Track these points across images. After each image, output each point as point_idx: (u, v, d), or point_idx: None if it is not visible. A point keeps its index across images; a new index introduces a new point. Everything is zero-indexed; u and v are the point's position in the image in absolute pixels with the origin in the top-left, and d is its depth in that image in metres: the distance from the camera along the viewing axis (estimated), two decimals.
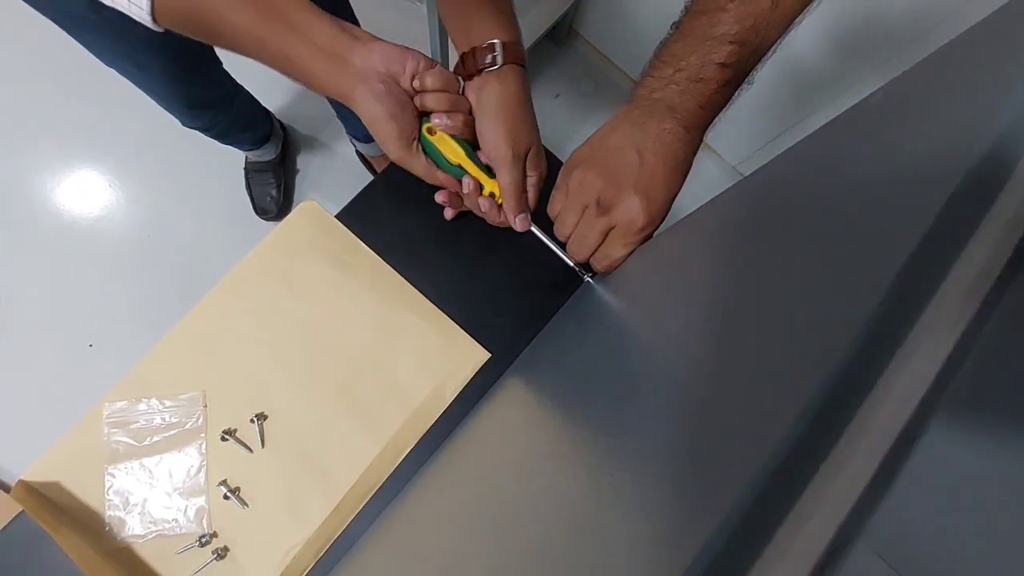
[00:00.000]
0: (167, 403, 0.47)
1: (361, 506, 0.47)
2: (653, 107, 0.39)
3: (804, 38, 0.89)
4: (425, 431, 0.49)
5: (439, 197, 0.49)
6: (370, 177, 1.33)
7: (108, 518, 0.45)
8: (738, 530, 0.14)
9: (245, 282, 0.50)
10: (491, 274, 0.53)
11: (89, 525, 0.45)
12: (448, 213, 0.51)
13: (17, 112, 1.31)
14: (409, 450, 0.48)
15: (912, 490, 0.14)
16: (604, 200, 0.40)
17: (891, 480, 0.13)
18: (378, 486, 0.48)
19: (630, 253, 0.41)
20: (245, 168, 1.29)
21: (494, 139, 0.44)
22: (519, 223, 0.46)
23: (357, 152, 1.32)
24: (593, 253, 0.43)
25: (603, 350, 0.37)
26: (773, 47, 0.37)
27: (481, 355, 0.50)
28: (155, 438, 0.46)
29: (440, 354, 0.50)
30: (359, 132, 1.19)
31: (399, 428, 0.49)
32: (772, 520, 0.13)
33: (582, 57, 1.40)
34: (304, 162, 1.35)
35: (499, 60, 0.43)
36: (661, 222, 0.40)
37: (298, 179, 1.34)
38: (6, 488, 1.15)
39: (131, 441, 0.46)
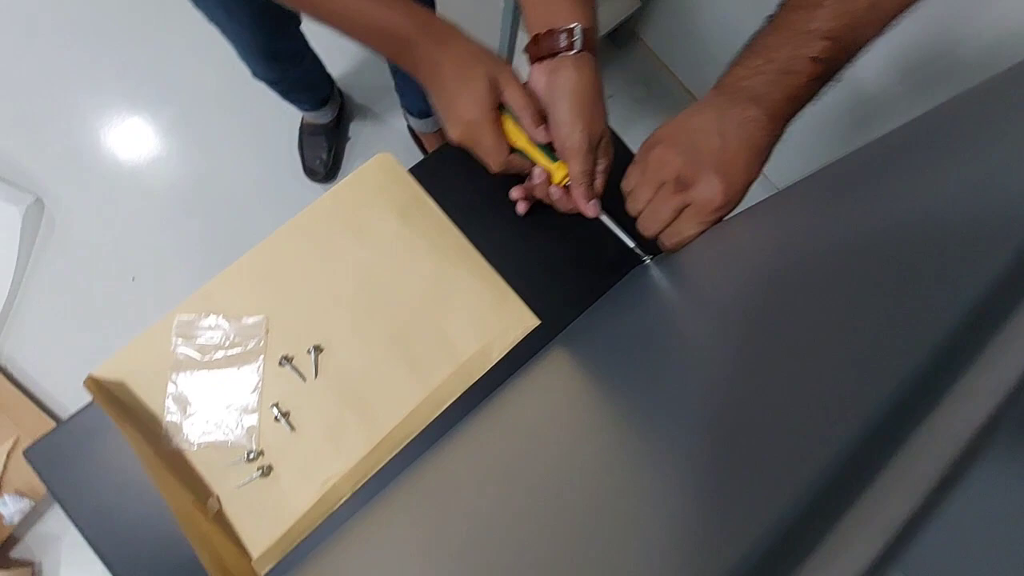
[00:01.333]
0: (232, 323, 0.50)
1: (400, 448, 0.49)
2: (739, 95, 0.40)
3: (871, 64, 0.90)
4: (468, 386, 0.51)
5: (515, 193, 0.51)
6: (418, 153, 1.36)
7: (166, 423, 0.48)
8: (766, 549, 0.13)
9: (316, 221, 0.53)
10: (548, 247, 0.55)
11: (148, 426, 0.48)
12: (521, 207, 0.52)
13: (96, 50, 1.36)
14: (451, 402, 0.50)
15: (955, 521, 0.14)
16: (683, 178, 0.42)
17: (937, 509, 0.13)
18: (418, 432, 0.50)
19: (700, 233, 0.43)
20: (300, 128, 1.32)
21: (569, 126, 0.44)
22: (591, 209, 0.47)
23: (409, 127, 1.35)
24: (663, 229, 0.44)
25: (651, 333, 0.39)
26: (866, 47, 0.38)
27: (531, 320, 0.52)
28: (217, 354, 0.49)
29: (491, 314, 0.52)
30: (414, 107, 1.22)
31: (444, 380, 0.51)
32: (803, 546, 0.13)
33: (640, 61, 1.41)
34: (356, 130, 1.38)
35: (577, 45, 0.43)
36: (737, 205, 0.42)
37: (349, 146, 1.37)
38: (44, 406, 1.20)
39: (195, 354, 0.49)
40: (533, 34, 0.45)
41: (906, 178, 0.28)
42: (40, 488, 1.14)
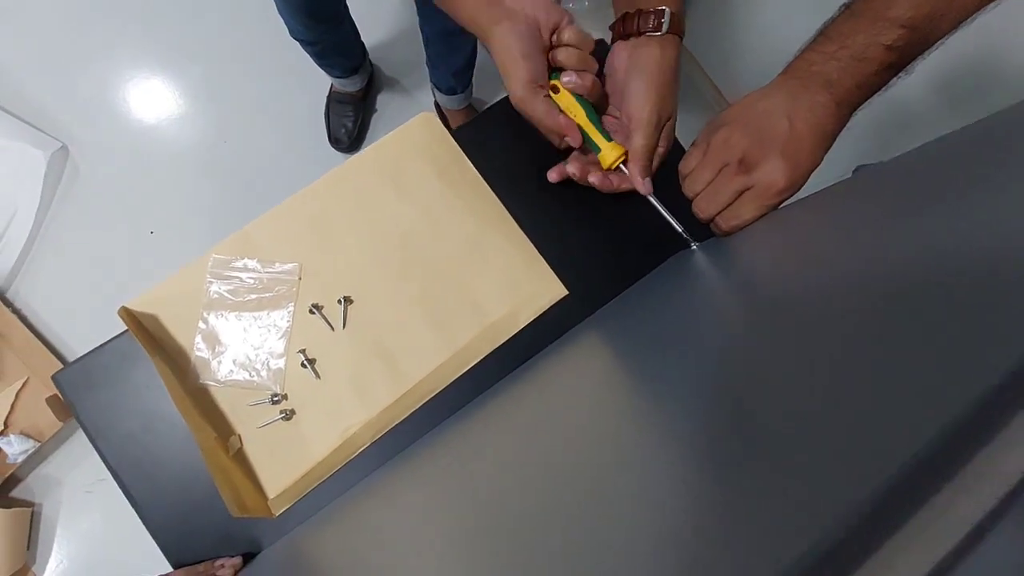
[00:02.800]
0: (266, 267, 0.50)
1: (422, 402, 0.50)
2: (810, 79, 0.40)
3: (917, 81, 0.89)
4: (493, 348, 0.51)
5: (552, 175, 0.51)
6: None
7: (194, 358, 0.48)
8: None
9: (357, 173, 0.53)
10: (586, 223, 0.55)
11: (176, 360, 0.49)
12: (552, 175, 0.52)
13: (130, 3, 1.36)
14: (475, 362, 0.51)
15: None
16: (747, 159, 0.42)
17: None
18: (441, 388, 0.50)
19: (758, 217, 0.43)
20: (328, 96, 1.32)
21: (641, 99, 0.45)
22: (645, 186, 0.47)
23: (436, 103, 1.35)
24: (721, 212, 0.44)
25: (696, 322, 0.38)
26: (942, 40, 0.38)
27: (560, 290, 0.53)
28: (250, 296, 0.50)
29: (522, 280, 0.52)
30: (443, 83, 1.22)
31: (470, 340, 0.51)
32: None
33: None
34: (383, 102, 1.38)
35: (664, 27, 0.44)
36: (798, 190, 0.42)
37: (375, 118, 1.37)
38: (55, 350, 1.21)
39: (228, 294, 0.49)
40: (622, 13, 0.46)
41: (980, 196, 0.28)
42: (46, 431, 1.15)
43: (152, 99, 1.34)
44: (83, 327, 1.22)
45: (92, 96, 1.32)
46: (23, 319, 1.21)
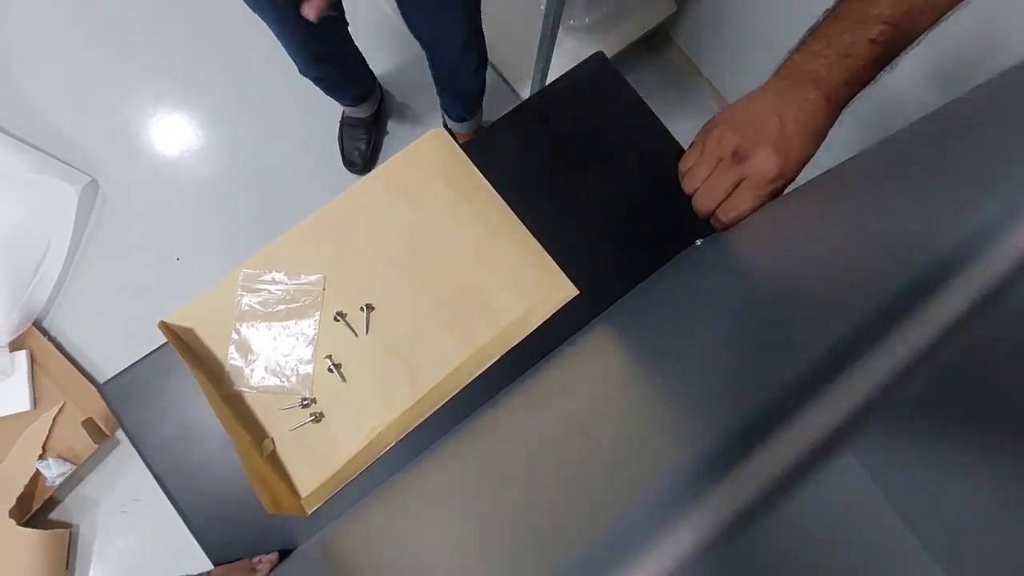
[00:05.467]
0: (293, 279, 0.53)
1: (443, 403, 0.52)
2: (799, 78, 0.43)
3: (906, 74, 0.91)
4: (508, 348, 0.54)
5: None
6: None
7: (228, 367, 0.52)
8: None
9: (372, 190, 0.57)
10: (592, 224, 0.57)
11: (212, 369, 0.52)
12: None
13: (153, 41, 1.44)
14: (492, 362, 0.53)
15: None
16: (740, 152, 0.44)
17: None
18: (459, 388, 0.53)
19: (757, 207, 0.45)
20: (341, 121, 1.38)
21: None
22: None
23: (445, 126, 1.39)
24: (719, 205, 0.47)
25: (698, 318, 0.40)
26: (920, 37, 0.41)
27: (571, 290, 0.55)
28: (278, 307, 0.53)
29: (533, 282, 0.55)
30: (452, 111, 1.26)
31: (486, 342, 0.54)
32: None
33: (673, 64, 1.44)
34: (394, 126, 1.43)
35: None
36: (792, 179, 0.44)
37: (386, 140, 1.42)
38: (88, 376, 1.26)
39: (258, 306, 0.53)
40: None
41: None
42: (82, 453, 1.20)
43: (175, 131, 1.40)
44: (116, 352, 1.27)
45: (119, 131, 1.39)
46: (58, 346, 1.26)
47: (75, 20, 1.44)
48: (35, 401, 1.21)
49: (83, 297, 1.31)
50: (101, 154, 1.37)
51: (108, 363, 1.28)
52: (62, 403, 1.22)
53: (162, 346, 0.51)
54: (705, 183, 0.47)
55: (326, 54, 1.00)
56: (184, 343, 0.52)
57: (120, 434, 1.24)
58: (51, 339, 1.27)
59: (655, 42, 1.40)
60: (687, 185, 0.49)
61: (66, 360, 1.24)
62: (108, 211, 1.36)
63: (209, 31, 1.44)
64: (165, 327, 0.51)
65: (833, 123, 0.44)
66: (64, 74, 1.41)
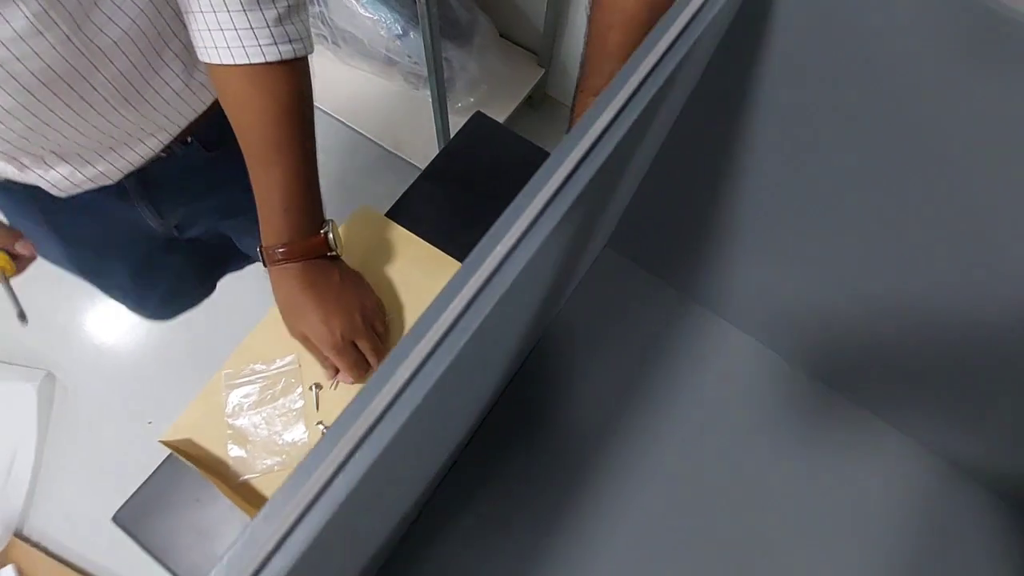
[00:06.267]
0: (270, 365, 0.59)
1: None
2: None
3: None
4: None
5: None
6: None
7: (231, 460, 0.55)
8: None
9: None
10: None
11: (217, 469, 0.55)
12: None
13: None
14: None
15: None
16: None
17: None
18: None
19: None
20: None
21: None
22: None
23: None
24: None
25: None
26: None
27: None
28: (264, 394, 0.58)
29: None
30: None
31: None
32: None
33: (554, 117, 1.63)
34: None
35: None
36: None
37: None
38: (81, 570, 1.20)
39: (244, 399, 0.57)
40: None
41: None
42: None
43: (116, 308, 1.44)
44: (106, 537, 1.23)
45: (65, 322, 1.42)
46: (43, 549, 1.21)
47: None
48: None
49: (59, 491, 1.28)
50: (49, 346, 1.39)
51: (98, 551, 1.23)
52: None
53: (159, 467, 0.55)
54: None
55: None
56: (185, 452, 0.55)
57: None
58: (34, 544, 1.21)
59: (535, 101, 1.59)
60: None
61: (54, 561, 1.19)
62: (69, 399, 1.35)
63: None
64: (166, 443, 0.55)
65: None
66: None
